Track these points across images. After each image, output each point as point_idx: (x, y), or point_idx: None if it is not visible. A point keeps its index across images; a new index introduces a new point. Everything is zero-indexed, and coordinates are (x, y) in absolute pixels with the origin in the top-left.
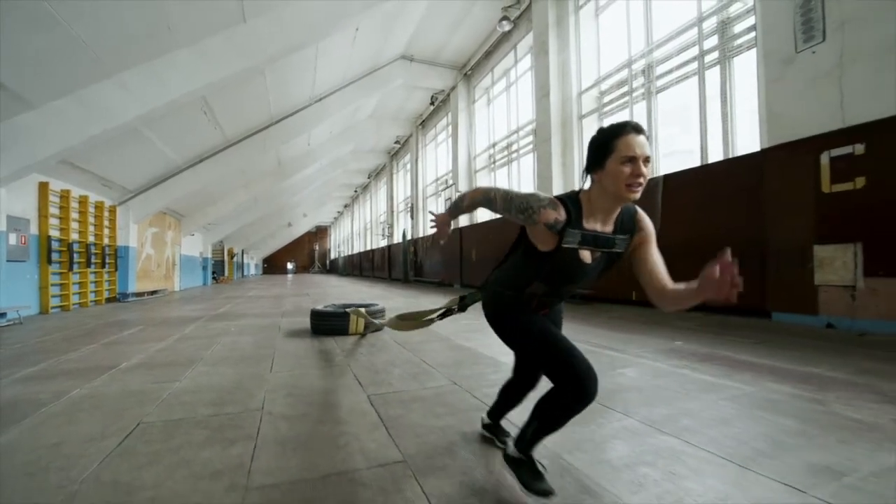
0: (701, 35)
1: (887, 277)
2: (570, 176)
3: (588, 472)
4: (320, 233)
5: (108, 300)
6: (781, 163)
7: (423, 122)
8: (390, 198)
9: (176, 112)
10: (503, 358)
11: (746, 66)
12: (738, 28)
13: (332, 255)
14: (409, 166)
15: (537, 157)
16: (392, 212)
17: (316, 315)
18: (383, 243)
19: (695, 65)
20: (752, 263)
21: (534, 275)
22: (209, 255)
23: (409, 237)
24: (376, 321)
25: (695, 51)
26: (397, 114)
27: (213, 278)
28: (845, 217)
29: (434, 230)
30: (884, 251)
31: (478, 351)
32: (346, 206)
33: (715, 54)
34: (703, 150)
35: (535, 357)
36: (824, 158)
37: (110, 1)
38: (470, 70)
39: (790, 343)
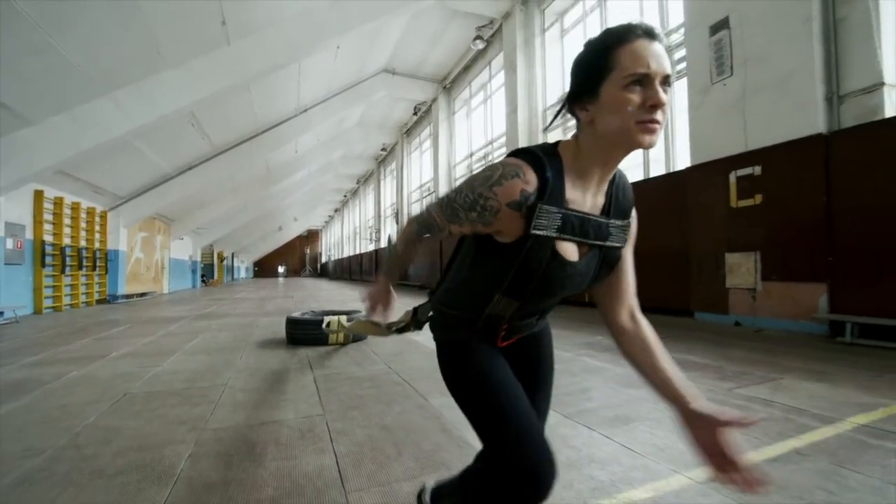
0: None
1: (779, 281)
2: None
3: (451, 419)
4: (311, 236)
5: (99, 301)
6: (700, 180)
7: (408, 131)
8: (378, 203)
9: (165, 124)
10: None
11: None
12: (677, 56)
13: (323, 259)
14: (395, 173)
15: None
16: (380, 217)
17: (291, 323)
18: (371, 247)
19: None
20: (680, 269)
21: (493, 284)
22: (199, 259)
23: (393, 242)
24: (348, 327)
25: None
26: (383, 122)
27: (203, 281)
28: (748, 228)
29: (372, 311)
30: (776, 259)
31: (423, 344)
32: (336, 211)
33: None
34: (646, 165)
35: (470, 418)
36: (732, 177)
37: (103, 29)
38: (449, 83)
39: (691, 337)
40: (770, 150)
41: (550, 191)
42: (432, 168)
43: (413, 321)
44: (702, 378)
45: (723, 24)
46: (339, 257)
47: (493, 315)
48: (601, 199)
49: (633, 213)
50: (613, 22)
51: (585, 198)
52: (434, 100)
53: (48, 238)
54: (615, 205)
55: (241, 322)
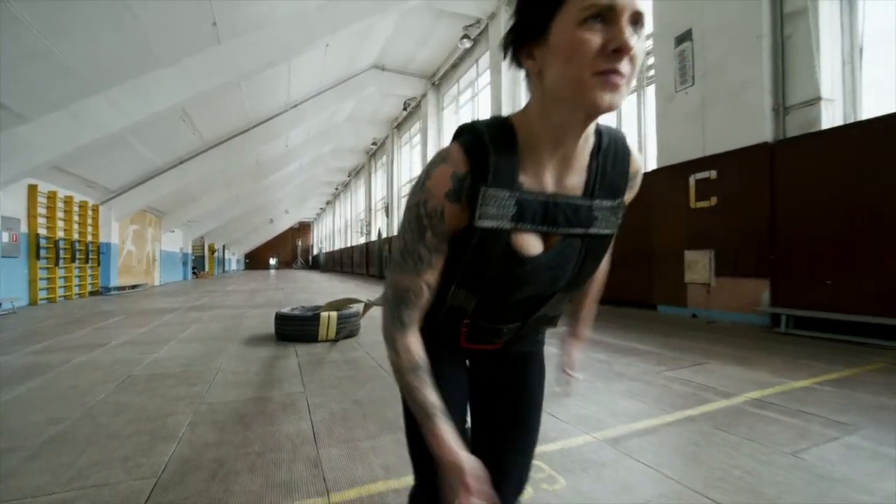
0: None
1: (730, 277)
2: None
3: None
4: (303, 228)
5: (91, 293)
6: (664, 182)
7: (399, 126)
8: (369, 196)
9: (157, 121)
10: None
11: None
12: (649, 62)
13: (315, 251)
14: (386, 166)
15: None
16: (370, 210)
17: (280, 319)
18: (362, 240)
19: None
20: (644, 265)
21: (450, 275)
22: (189, 251)
23: (384, 235)
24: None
25: None
26: (374, 116)
27: (194, 273)
28: (704, 228)
29: None
30: (728, 256)
31: None
32: (328, 203)
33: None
34: None
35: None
36: (691, 180)
37: (97, 31)
38: (438, 80)
39: (648, 329)
40: (724, 157)
41: (495, 170)
42: (421, 163)
43: None
44: (640, 363)
45: (686, 36)
46: (331, 250)
47: (454, 306)
48: (578, 177)
49: (637, 181)
50: None
51: (548, 177)
52: (423, 96)
53: (42, 231)
54: (601, 180)
55: (232, 313)
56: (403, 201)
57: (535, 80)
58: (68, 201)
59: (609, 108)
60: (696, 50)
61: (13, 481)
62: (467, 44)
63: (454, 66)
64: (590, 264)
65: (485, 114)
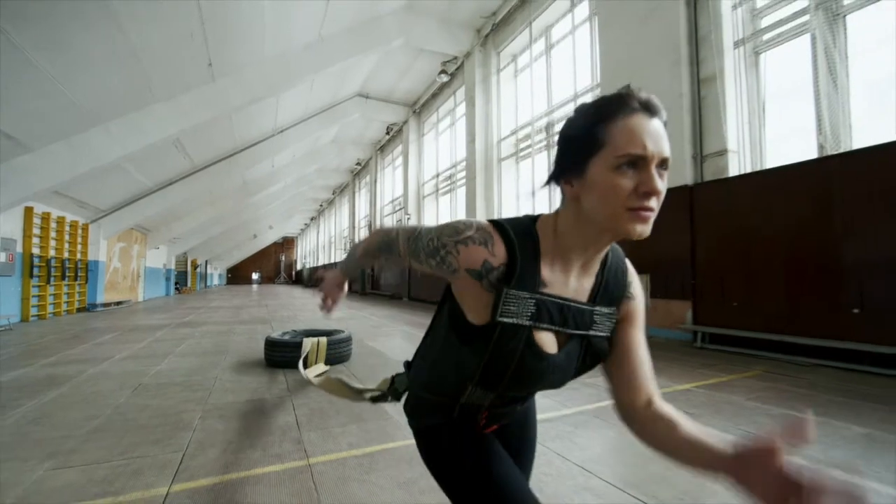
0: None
1: (662, 299)
2: (492, 212)
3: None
4: (287, 244)
5: (79, 310)
6: None
7: (382, 148)
8: (352, 214)
9: (151, 149)
10: (393, 354)
11: None
12: None
13: (298, 266)
14: (369, 186)
15: (466, 192)
16: (354, 227)
17: (270, 344)
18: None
19: None
20: None
21: (466, 371)
22: (172, 267)
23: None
24: (312, 377)
25: None
26: (358, 139)
27: (176, 289)
28: (643, 255)
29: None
30: (660, 280)
31: (381, 351)
32: (312, 219)
33: None
34: None
35: None
36: None
37: (105, 71)
38: (419, 108)
39: None
40: None
41: (520, 274)
42: (404, 184)
43: (390, 391)
44: None
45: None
46: (315, 265)
47: (470, 404)
48: (588, 282)
49: (637, 288)
50: (556, 68)
51: (567, 280)
52: (405, 122)
53: (35, 251)
54: (604, 290)
55: (220, 329)
56: (386, 220)
57: (571, 202)
58: (60, 221)
59: (640, 237)
60: None
61: (78, 455)
62: (445, 78)
63: (434, 97)
64: (590, 363)
65: (463, 142)
